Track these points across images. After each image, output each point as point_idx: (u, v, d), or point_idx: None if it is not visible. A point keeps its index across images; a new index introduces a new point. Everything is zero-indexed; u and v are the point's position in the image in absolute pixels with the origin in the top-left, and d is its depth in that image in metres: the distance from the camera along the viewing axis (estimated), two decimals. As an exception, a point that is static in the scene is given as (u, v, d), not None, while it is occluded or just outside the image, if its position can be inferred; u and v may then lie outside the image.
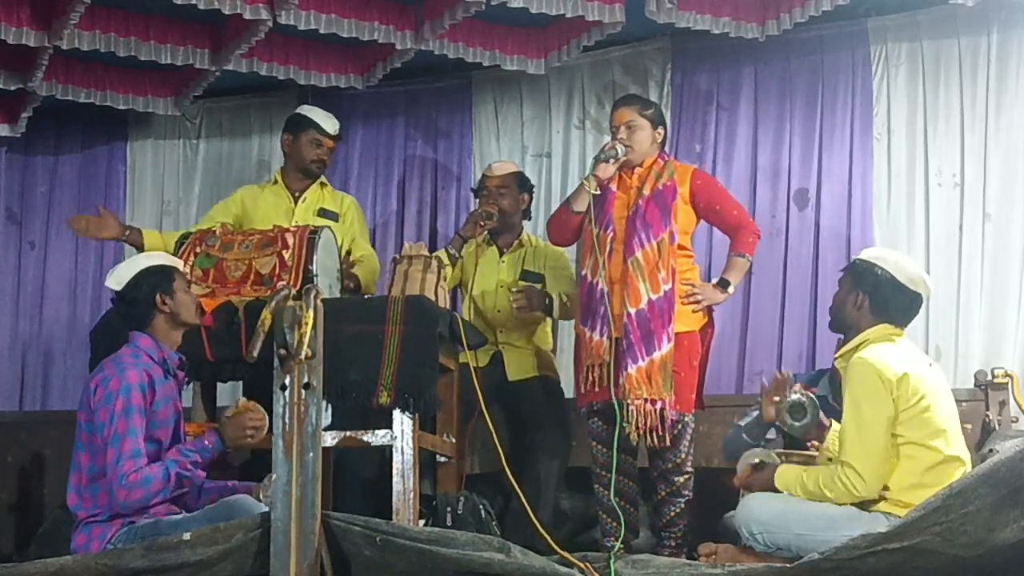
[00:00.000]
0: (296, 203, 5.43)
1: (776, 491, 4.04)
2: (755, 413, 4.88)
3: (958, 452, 3.90)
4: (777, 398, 4.25)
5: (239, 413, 4.02)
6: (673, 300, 4.60)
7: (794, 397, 4.22)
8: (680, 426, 4.59)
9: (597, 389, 4.61)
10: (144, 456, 3.92)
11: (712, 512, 4.77)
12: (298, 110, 5.55)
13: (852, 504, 3.92)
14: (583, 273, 4.77)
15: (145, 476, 3.89)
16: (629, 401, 4.52)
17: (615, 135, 4.80)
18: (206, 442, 4.00)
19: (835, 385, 4.89)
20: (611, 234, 4.69)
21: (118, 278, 4.19)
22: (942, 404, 3.92)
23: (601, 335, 4.62)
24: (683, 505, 4.66)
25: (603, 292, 4.64)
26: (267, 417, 3.89)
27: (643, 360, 4.53)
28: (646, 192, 4.70)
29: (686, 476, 4.66)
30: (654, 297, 4.57)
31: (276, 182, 5.51)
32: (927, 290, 4.09)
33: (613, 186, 4.77)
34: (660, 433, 4.53)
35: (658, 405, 4.51)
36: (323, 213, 5.41)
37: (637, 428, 4.51)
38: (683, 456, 4.63)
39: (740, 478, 4.22)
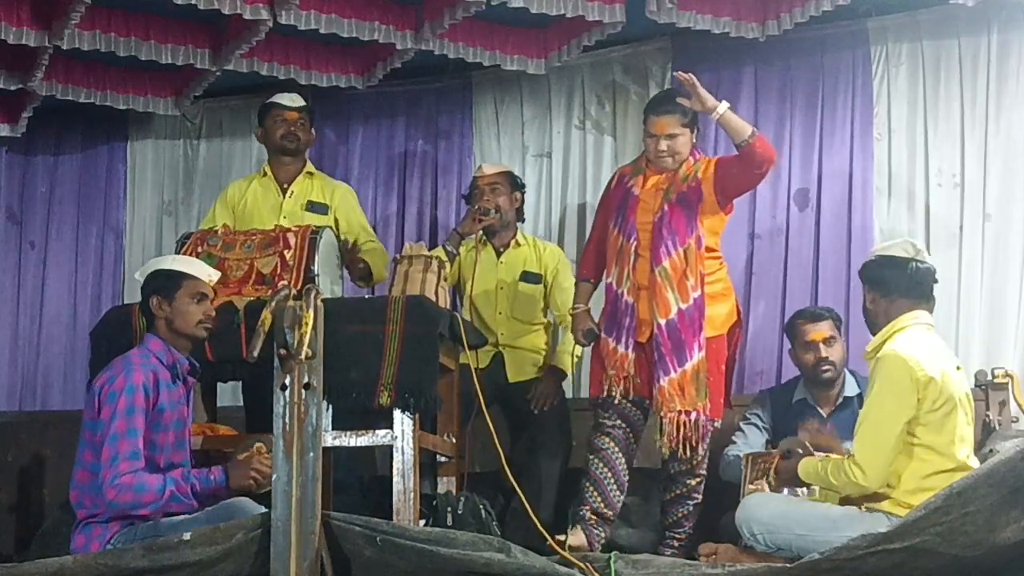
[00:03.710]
0: (284, 196, 5.44)
1: (800, 481, 4.06)
2: (754, 435, 4.92)
3: (971, 461, 3.88)
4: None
5: (251, 456, 4.01)
6: (703, 307, 4.54)
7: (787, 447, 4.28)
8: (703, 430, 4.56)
9: (620, 399, 4.57)
10: (142, 459, 3.92)
11: (712, 512, 4.78)
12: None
13: (855, 501, 3.92)
14: (608, 281, 4.71)
15: (140, 483, 3.89)
16: (662, 414, 4.49)
17: (653, 144, 4.67)
18: (211, 476, 3.99)
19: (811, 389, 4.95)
20: (635, 242, 4.63)
21: (141, 272, 4.25)
22: (963, 411, 3.91)
23: (626, 347, 4.58)
24: (691, 508, 4.64)
25: (628, 304, 4.59)
26: None
27: (675, 371, 4.49)
28: (672, 196, 4.62)
29: (698, 479, 4.64)
30: (683, 307, 4.52)
31: (265, 174, 5.54)
32: (914, 250, 4.07)
33: (636, 190, 4.71)
34: (695, 444, 4.50)
35: (692, 415, 4.48)
36: (311, 206, 5.42)
37: (671, 441, 4.48)
38: (699, 459, 4.59)
39: (775, 472, 4.23)
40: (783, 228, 5.73)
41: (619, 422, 4.63)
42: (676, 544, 4.61)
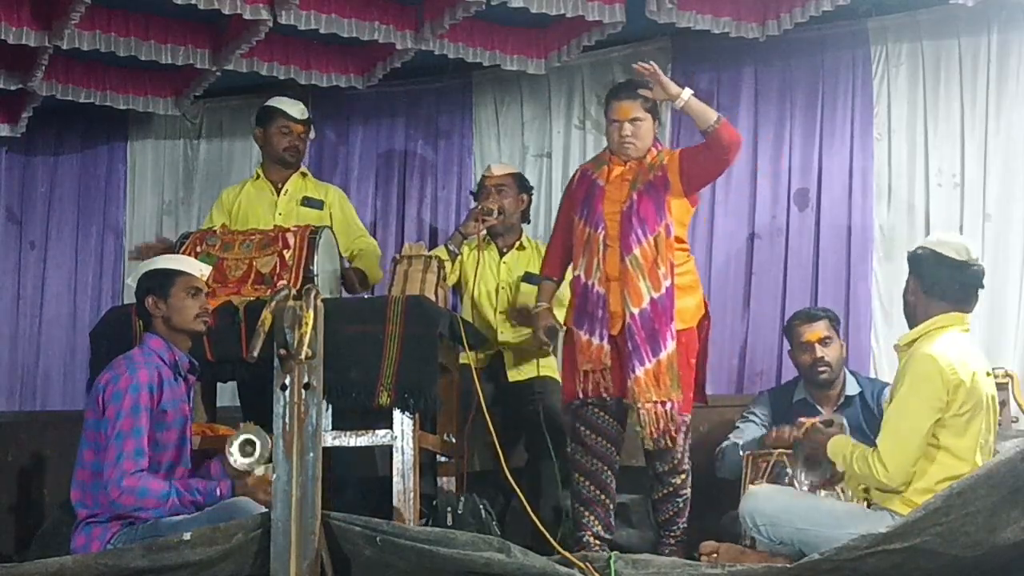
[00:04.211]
0: (279, 195, 5.44)
1: (824, 454, 4.03)
2: (751, 430, 4.90)
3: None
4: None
5: (260, 484, 3.99)
6: (674, 296, 4.49)
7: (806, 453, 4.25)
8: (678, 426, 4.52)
9: (602, 392, 4.53)
10: (146, 457, 3.93)
11: (712, 512, 4.78)
12: (266, 103, 5.54)
13: (864, 496, 3.92)
14: (576, 274, 4.66)
15: (144, 487, 3.90)
16: (639, 405, 4.44)
17: (616, 130, 4.64)
18: (218, 492, 3.98)
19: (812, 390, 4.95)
20: (603, 232, 4.57)
21: (134, 276, 4.27)
22: (987, 416, 3.88)
23: (601, 339, 4.53)
24: (681, 504, 4.61)
25: (599, 295, 4.54)
26: None
27: (650, 362, 4.44)
28: (639, 185, 4.57)
29: (683, 476, 4.60)
30: (656, 295, 4.47)
31: (258, 177, 5.55)
32: (969, 255, 3.97)
33: (601, 181, 4.65)
34: (673, 435, 4.46)
35: (668, 406, 4.43)
36: (306, 202, 5.44)
37: (651, 432, 4.43)
38: (680, 456, 4.56)
39: (802, 432, 4.20)
40: (783, 228, 5.73)
41: (600, 438, 4.58)
42: (672, 541, 4.59)
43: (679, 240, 4.62)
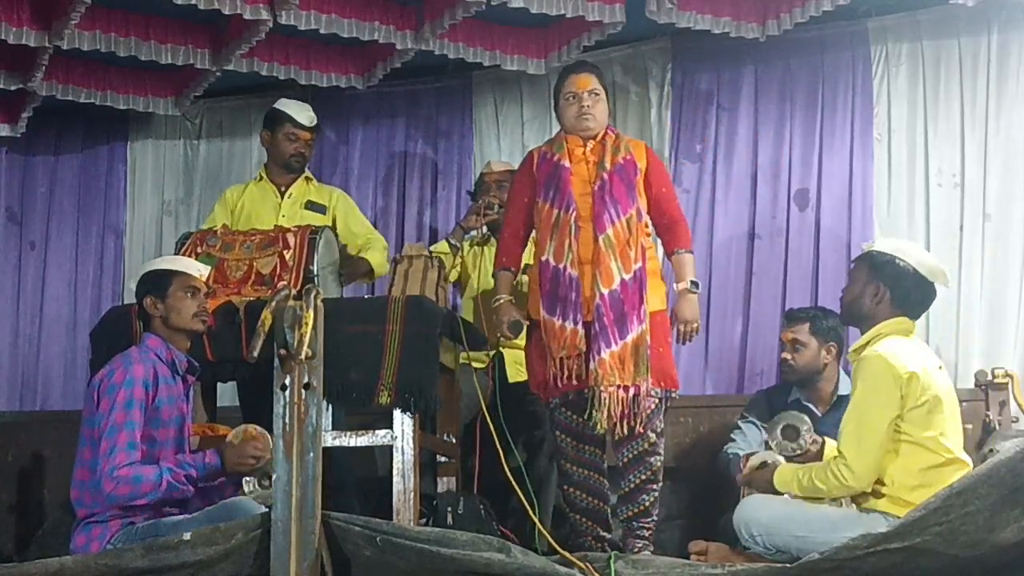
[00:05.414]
0: (283, 198, 5.43)
1: (775, 491, 4.04)
2: (752, 433, 4.91)
3: (961, 455, 3.89)
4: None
5: (245, 440, 4.02)
6: (644, 280, 4.37)
7: (786, 421, 4.28)
8: (658, 402, 4.38)
9: (576, 381, 4.37)
10: (139, 450, 3.92)
11: (712, 512, 4.77)
12: (275, 105, 5.50)
13: (848, 501, 3.93)
14: (544, 259, 4.45)
15: (137, 474, 3.89)
16: (601, 388, 4.29)
17: (576, 103, 4.52)
18: (206, 460, 3.99)
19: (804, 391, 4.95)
20: (574, 213, 4.43)
21: (135, 279, 4.30)
22: (948, 407, 3.91)
23: (575, 323, 4.36)
24: (656, 494, 4.46)
25: (572, 278, 4.38)
26: (271, 445, 3.89)
27: (616, 344, 4.31)
28: (608, 166, 4.46)
29: (661, 459, 4.46)
30: (626, 277, 4.34)
31: (261, 178, 5.53)
32: (946, 280, 4.05)
33: (565, 163, 4.52)
34: (632, 423, 4.32)
35: (631, 391, 4.31)
36: (310, 206, 5.41)
37: (610, 417, 4.29)
38: (657, 433, 4.40)
39: (744, 476, 4.23)
40: (783, 228, 5.73)
41: (582, 444, 4.48)
42: (647, 534, 4.45)
43: (647, 225, 4.53)
